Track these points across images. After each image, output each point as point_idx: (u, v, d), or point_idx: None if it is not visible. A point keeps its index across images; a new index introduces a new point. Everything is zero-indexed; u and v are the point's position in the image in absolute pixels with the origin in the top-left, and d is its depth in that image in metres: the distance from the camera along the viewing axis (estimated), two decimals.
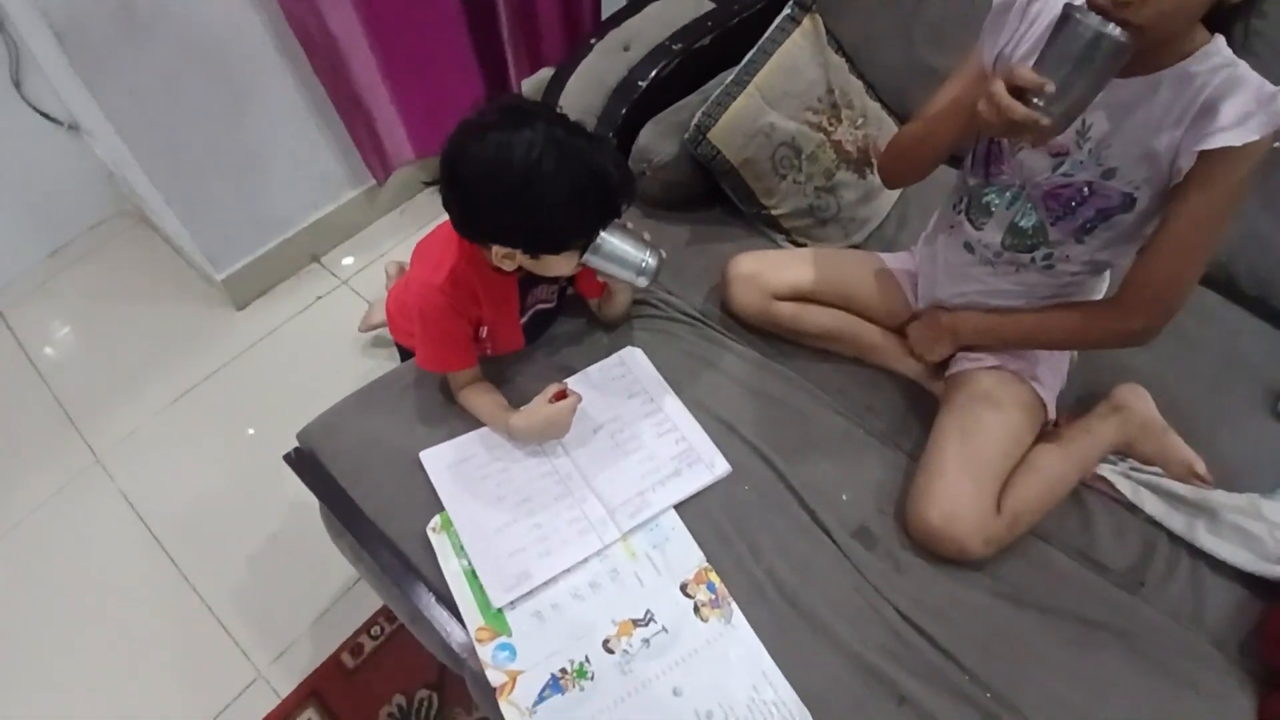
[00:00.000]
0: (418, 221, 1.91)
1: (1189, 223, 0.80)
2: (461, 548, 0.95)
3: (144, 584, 1.37)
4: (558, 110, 0.91)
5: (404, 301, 1.17)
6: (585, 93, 1.30)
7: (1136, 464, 1.01)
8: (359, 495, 1.01)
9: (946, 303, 1.07)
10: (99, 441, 1.55)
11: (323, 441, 1.07)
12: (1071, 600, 0.93)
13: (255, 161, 1.59)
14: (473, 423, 1.06)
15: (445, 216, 0.92)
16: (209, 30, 1.36)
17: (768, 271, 1.12)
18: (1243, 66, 0.76)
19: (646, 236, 0.96)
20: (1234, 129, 0.74)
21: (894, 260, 1.17)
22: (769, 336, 1.16)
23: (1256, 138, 0.74)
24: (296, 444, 1.08)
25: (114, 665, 1.29)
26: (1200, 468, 0.96)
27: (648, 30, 1.33)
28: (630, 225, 0.96)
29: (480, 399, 1.04)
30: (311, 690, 1.24)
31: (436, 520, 0.97)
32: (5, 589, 1.38)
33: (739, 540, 0.96)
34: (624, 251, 0.94)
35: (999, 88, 0.73)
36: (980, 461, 0.94)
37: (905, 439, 1.07)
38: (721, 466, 1.02)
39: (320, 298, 1.77)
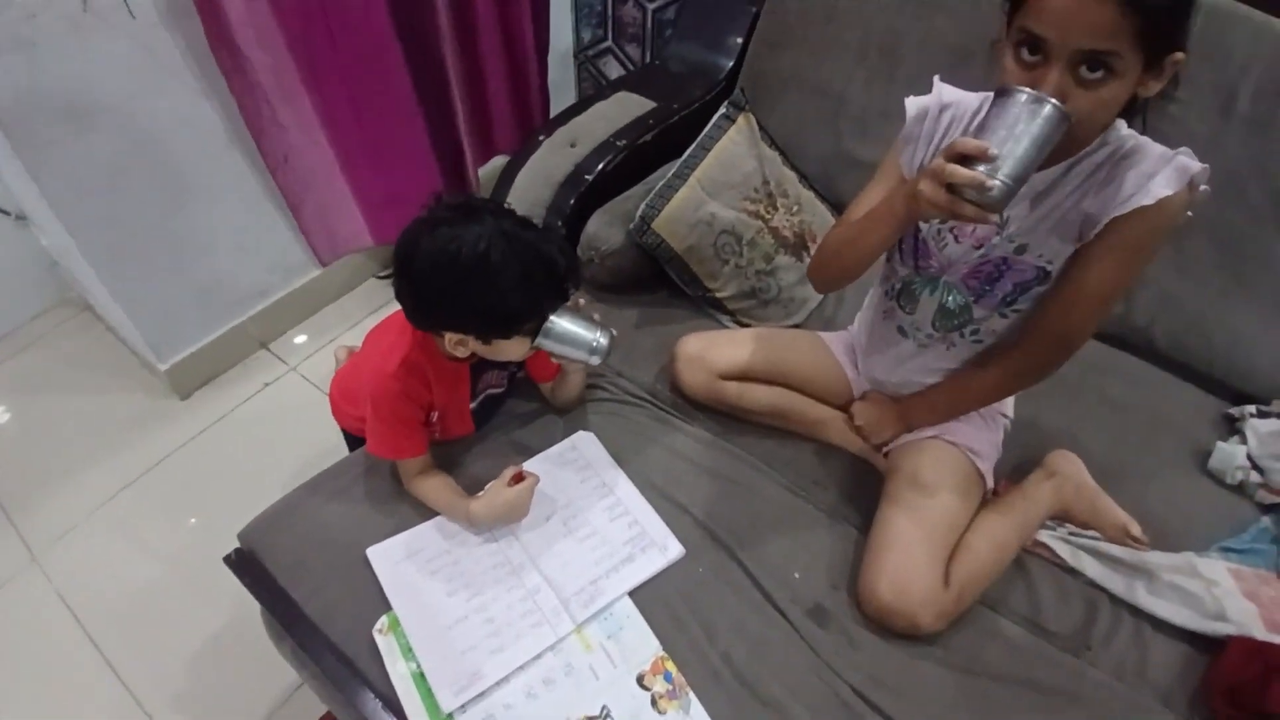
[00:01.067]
0: (367, 306, 1.92)
1: (1097, 279, 0.86)
2: (409, 649, 0.92)
3: (81, 690, 1.29)
4: (505, 205, 0.95)
5: (349, 387, 1.17)
6: (534, 186, 1.35)
7: (1074, 529, 1.05)
8: (301, 596, 0.98)
9: (886, 381, 1.11)
10: (35, 538, 1.48)
11: (264, 540, 1.04)
12: (1021, 667, 0.94)
13: (201, 249, 1.59)
14: (423, 513, 1.05)
15: (396, 305, 0.94)
16: (156, 120, 1.38)
17: (713, 351, 1.16)
18: (1143, 138, 0.82)
19: (596, 316, 0.99)
20: (1140, 192, 0.79)
21: (834, 339, 1.22)
22: (718, 415, 1.19)
23: (1168, 192, 0.78)
24: (237, 543, 1.04)
25: None
26: (1135, 529, 1.00)
27: (593, 127, 1.40)
28: (582, 302, 0.99)
29: (433, 487, 1.04)
30: None
31: (384, 621, 0.95)
32: None
33: (694, 624, 0.96)
34: (575, 333, 0.96)
35: (940, 162, 0.73)
36: (927, 536, 0.96)
37: (854, 512, 1.09)
38: (675, 549, 1.02)
39: (268, 384, 1.75)
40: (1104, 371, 1.26)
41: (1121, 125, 0.83)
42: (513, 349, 0.96)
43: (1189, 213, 0.82)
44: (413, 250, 0.88)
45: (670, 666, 0.92)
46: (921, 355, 1.06)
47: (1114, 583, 1.00)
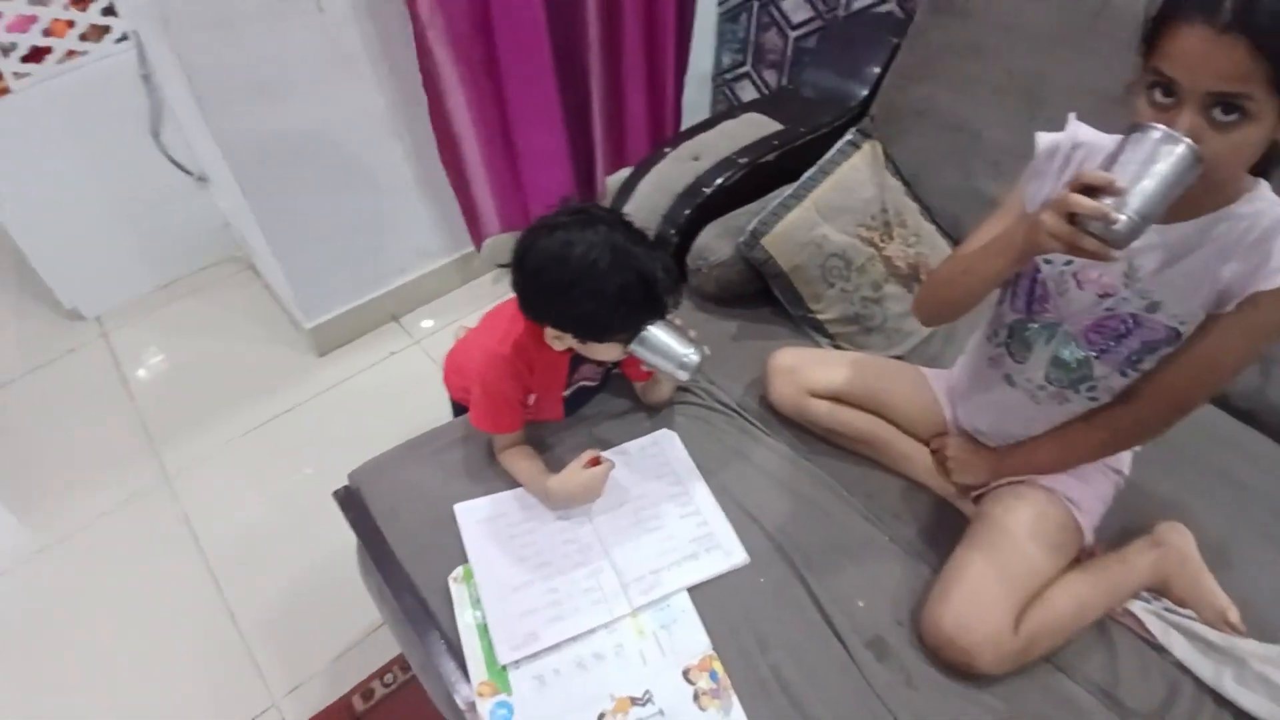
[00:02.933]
0: (490, 296, 2.06)
1: (1222, 348, 0.82)
2: (478, 600, 0.98)
3: (185, 600, 1.45)
4: (623, 216, 1.00)
5: (460, 361, 1.27)
6: (654, 194, 1.41)
7: (1169, 604, 0.97)
8: (393, 538, 1.07)
9: (986, 432, 1.08)
10: (171, 463, 1.69)
11: (370, 483, 1.15)
12: None
13: (356, 225, 1.77)
14: (510, 482, 1.12)
15: (513, 293, 1.02)
16: (333, 105, 1.56)
17: (807, 368, 1.16)
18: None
19: (692, 334, 1.02)
20: None
21: (934, 377, 1.19)
22: (804, 434, 1.19)
23: None
24: (345, 485, 1.15)
25: (142, 672, 1.36)
26: (1234, 615, 0.92)
27: (718, 144, 1.45)
28: (678, 322, 1.03)
29: (520, 461, 1.10)
30: None
31: (459, 571, 1.02)
32: (59, 585, 1.50)
33: (748, 632, 0.96)
34: (667, 345, 1.00)
35: (1065, 192, 0.71)
36: (1004, 575, 0.92)
37: (931, 553, 1.06)
38: (740, 556, 1.03)
39: (393, 354, 1.91)
40: (1231, 446, 1.16)
41: (1265, 189, 0.78)
42: (606, 351, 1.02)
43: None
44: (529, 248, 0.96)
45: (717, 666, 0.93)
46: (1028, 408, 1.01)
47: (1202, 666, 0.92)
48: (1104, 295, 0.89)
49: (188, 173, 1.92)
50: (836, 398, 1.15)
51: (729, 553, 1.04)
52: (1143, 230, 0.69)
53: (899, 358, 1.31)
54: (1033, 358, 0.98)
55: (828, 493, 1.13)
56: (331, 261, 1.78)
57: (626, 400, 1.24)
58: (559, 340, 1.00)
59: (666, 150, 1.45)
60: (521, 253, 0.96)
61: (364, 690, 1.32)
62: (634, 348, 1.00)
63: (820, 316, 1.32)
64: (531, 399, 1.12)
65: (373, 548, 1.07)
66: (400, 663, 1.34)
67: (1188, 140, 0.67)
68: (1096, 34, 1.21)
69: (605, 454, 1.11)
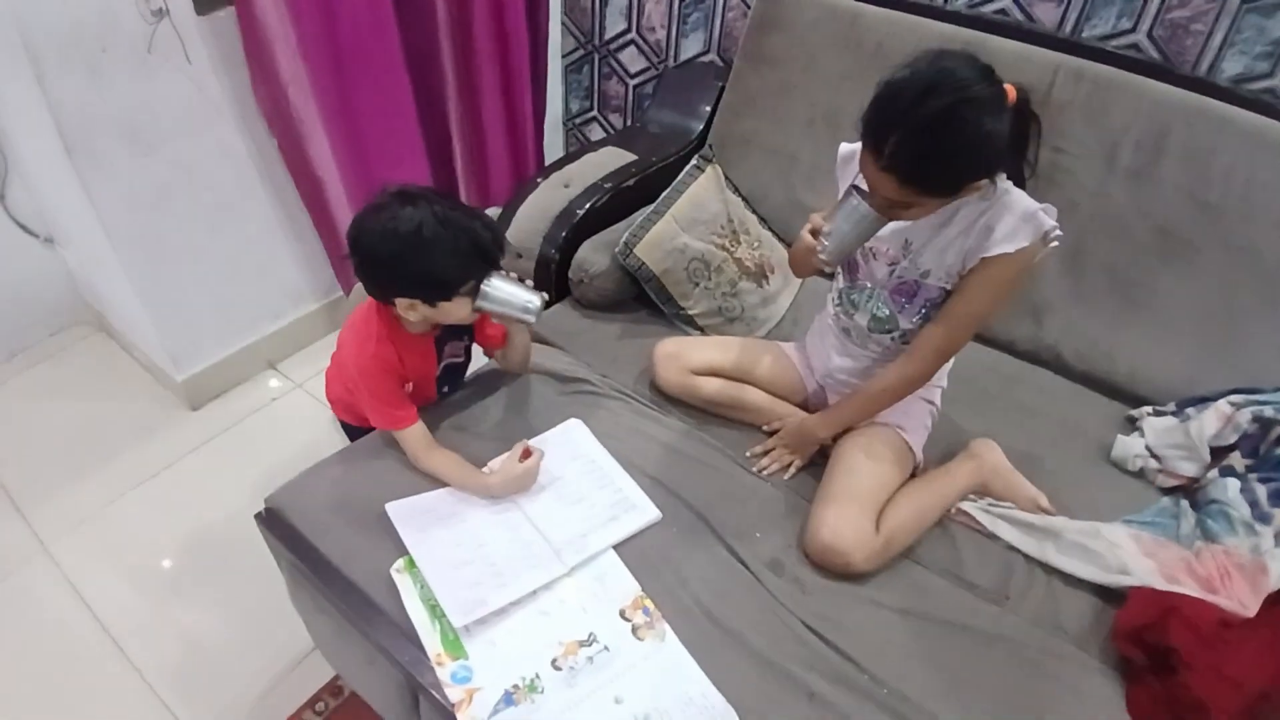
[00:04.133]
0: None
1: (967, 303, 1.13)
2: (424, 583, 1.06)
3: (90, 671, 1.37)
4: (436, 191, 1.12)
5: (339, 382, 1.35)
6: (532, 219, 1.57)
7: (992, 500, 1.24)
8: (326, 547, 1.12)
9: (832, 369, 1.32)
10: (46, 530, 1.57)
11: (290, 503, 1.18)
12: (948, 611, 1.11)
13: (228, 271, 1.76)
14: (434, 484, 1.20)
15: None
16: (202, 150, 1.58)
17: (687, 351, 1.36)
18: (1013, 194, 1.08)
19: (528, 282, 1.16)
20: (1005, 241, 1.06)
21: (790, 349, 1.43)
22: (690, 409, 1.38)
23: (1025, 243, 1.05)
24: (265, 507, 1.18)
25: None
26: (1044, 501, 1.21)
27: (584, 172, 1.64)
28: (513, 275, 1.16)
29: (445, 462, 1.19)
30: None
31: (400, 562, 1.09)
32: None
33: (669, 572, 1.11)
34: (510, 294, 1.13)
35: (806, 227, 1.11)
36: (860, 492, 1.15)
37: (805, 488, 1.27)
38: (652, 513, 1.18)
39: (274, 400, 1.89)
40: (1020, 382, 1.49)
41: (1002, 182, 1.09)
42: (456, 310, 1.11)
43: (1045, 251, 1.08)
44: (360, 229, 1.07)
45: (648, 603, 1.07)
46: (860, 352, 1.28)
47: (1027, 544, 1.18)
48: (891, 264, 1.18)
49: (34, 235, 1.81)
50: (714, 373, 1.36)
51: (643, 511, 1.19)
52: (841, 257, 1.13)
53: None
54: (858, 314, 1.25)
55: (717, 454, 1.31)
56: (203, 309, 1.76)
57: (526, 399, 1.37)
58: (412, 311, 1.11)
59: (539, 180, 1.62)
60: (355, 236, 1.08)
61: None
62: (480, 303, 1.12)
63: (690, 312, 1.53)
64: (409, 386, 1.22)
65: (307, 560, 1.11)
66: (330, 688, 1.34)
67: (873, 213, 1.03)
68: (874, 68, 1.52)
69: (531, 443, 1.23)
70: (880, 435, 1.24)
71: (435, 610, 1.03)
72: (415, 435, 1.20)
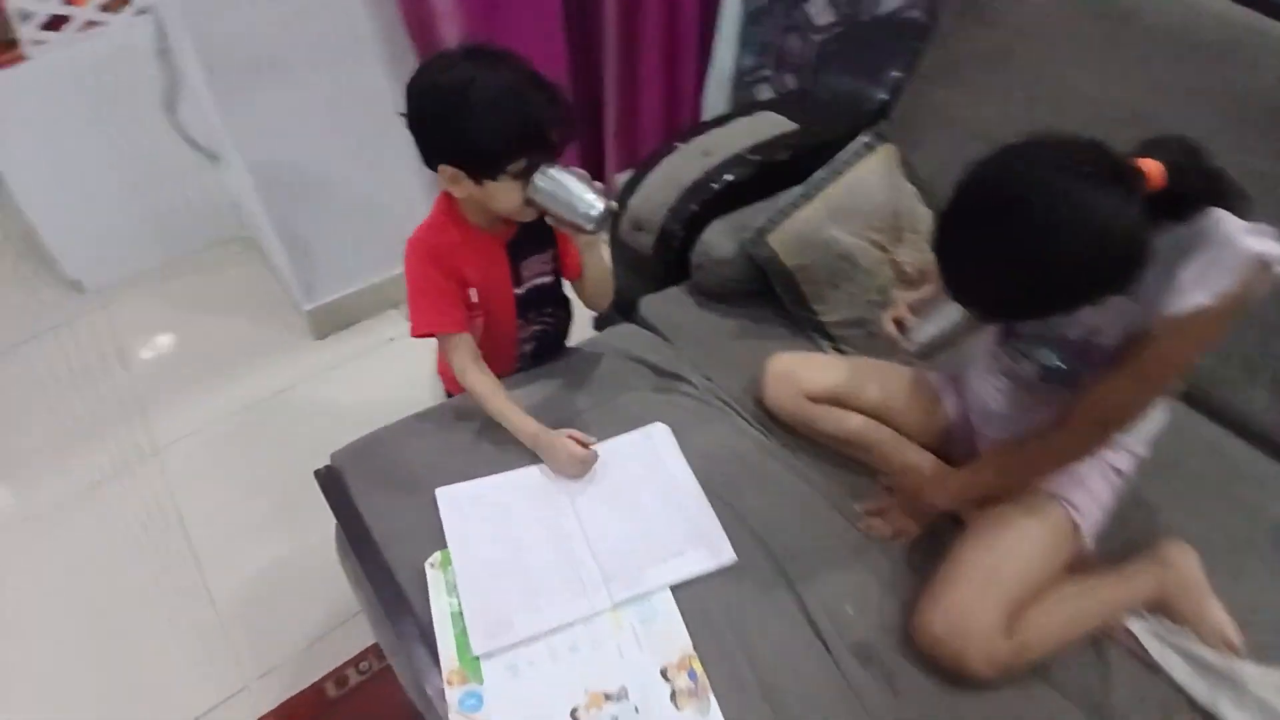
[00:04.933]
0: None
1: (1147, 363, 0.83)
2: (454, 587, 0.96)
3: (164, 575, 1.44)
4: (522, 62, 0.95)
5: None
6: (662, 188, 1.39)
7: (1168, 623, 0.93)
8: (372, 519, 1.05)
9: (989, 412, 1.05)
10: (162, 435, 1.67)
11: (352, 465, 1.12)
12: None
13: (363, 208, 1.75)
14: (495, 467, 1.09)
15: None
16: (344, 84, 1.55)
17: (804, 371, 1.14)
18: (1213, 221, 0.77)
19: (600, 186, 0.97)
20: (1196, 288, 0.77)
21: (936, 377, 1.16)
22: (800, 436, 1.16)
23: (1228, 287, 0.76)
24: (325, 465, 1.13)
25: (116, 643, 1.34)
26: (1234, 636, 0.90)
27: (730, 140, 1.43)
28: (583, 174, 0.97)
29: (489, 386, 1.08)
30: (289, 714, 1.24)
31: (437, 556, 0.99)
32: (42, 550, 1.48)
33: (730, 634, 0.93)
34: (566, 188, 0.94)
35: (889, 312, 1.03)
36: (997, 577, 0.90)
37: (923, 561, 1.02)
38: (727, 555, 1.00)
39: (392, 340, 1.89)
40: (1244, 475, 1.11)
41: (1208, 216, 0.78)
42: (504, 196, 0.96)
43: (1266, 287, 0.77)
44: (413, 79, 0.95)
45: (696, 666, 0.89)
46: (1031, 401, 0.99)
47: (1198, 688, 0.88)
48: (1042, 320, 0.92)
49: (201, 150, 1.91)
50: (836, 401, 1.12)
51: (716, 551, 1.00)
52: (935, 353, 1.01)
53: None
54: (1026, 362, 0.98)
55: (821, 497, 1.09)
56: (333, 244, 1.77)
57: (616, 390, 1.21)
58: (457, 186, 0.97)
59: (676, 144, 1.43)
60: (409, 88, 0.95)
61: (338, 677, 1.29)
62: (530, 193, 0.96)
63: (824, 319, 1.29)
64: (474, 294, 1.08)
65: (351, 530, 1.05)
66: (375, 651, 1.31)
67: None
68: (1121, 43, 1.18)
69: (601, 444, 1.09)
70: (1038, 507, 0.96)
71: (460, 620, 0.93)
72: (460, 343, 1.08)
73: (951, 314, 0.96)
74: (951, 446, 1.12)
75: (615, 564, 0.99)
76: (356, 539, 1.03)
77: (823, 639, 0.93)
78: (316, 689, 1.27)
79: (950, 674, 0.88)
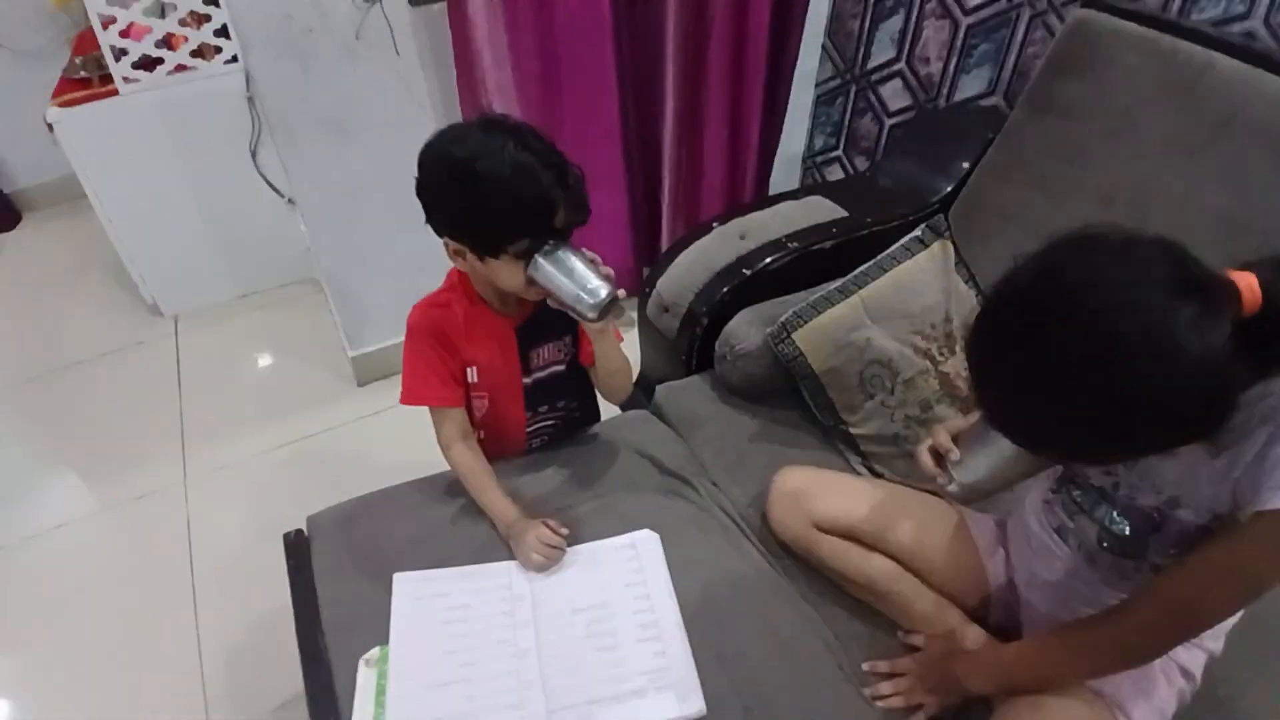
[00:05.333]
0: None
1: (1236, 560, 0.66)
2: (383, 691, 0.87)
3: (159, 604, 1.45)
4: (539, 138, 0.91)
5: None
6: (693, 269, 1.30)
7: None
8: (326, 599, 0.98)
9: (1034, 584, 0.87)
10: (194, 464, 1.71)
11: (324, 532, 1.08)
12: None
13: (409, 267, 1.75)
14: (472, 553, 1.01)
15: None
16: (400, 146, 1.56)
17: (816, 493, 0.99)
18: None
19: (608, 272, 0.91)
20: None
21: (979, 523, 0.98)
22: (809, 567, 1.01)
23: None
24: (295, 530, 1.09)
25: (94, 663, 1.36)
26: None
27: (770, 224, 1.33)
28: (592, 255, 0.92)
29: (473, 465, 1.04)
30: None
31: (375, 652, 0.91)
32: (52, 561, 1.54)
33: None
34: (568, 268, 0.88)
35: (925, 442, 0.83)
36: None
37: None
38: (695, 705, 0.86)
39: None
40: None
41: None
42: (506, 274, 0.92)
43: None
44: (426, 147, 0.92)
45: None
46: (1083, 566, 0.81)
47: None
48: (1109, 473, 0.76)
49: (279, 194, 2.01)
50: (849, 534, 0.97)
51: (683, 697, 0.87)
52: (981, 497, 0.83)
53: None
54: (1083, 519, 0.80)
55: (823, 647, 0.93)
56: (379, 296, 1.78)
57: (618, 485, 1.11)
58: (461, 260, 0.94)
59: (714, 224, 1.35)
60: (422, 154, 0.92)
61: None
62: (533, 272, 0.90)
63: (854, 431, 1.14)
64: (473, 373, 1.03)
65: (301, 606, 0.99)
66: None
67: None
68: (1218, 145, 1.01)
69: (582, 548, 1.02)
70: (1082, 711, 0.76)
71: None
72: (446, 420, 1.04)
73: (1004, 448, 0.77)
74: (989, 614, 0.94)
75: (566, 696, 0.87)
76: (303, 618, 0.97)
77: None
78: None
79: None
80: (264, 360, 2.02)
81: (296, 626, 0.97)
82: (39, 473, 1.74)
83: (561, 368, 1.10)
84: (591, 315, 0.90)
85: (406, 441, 1.70)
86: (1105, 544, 0.78)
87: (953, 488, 0.81)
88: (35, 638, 1.41)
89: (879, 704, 0.88)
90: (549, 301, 0.94)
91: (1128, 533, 0.75)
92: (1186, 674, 0.79)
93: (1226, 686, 0.83)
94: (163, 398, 1.89)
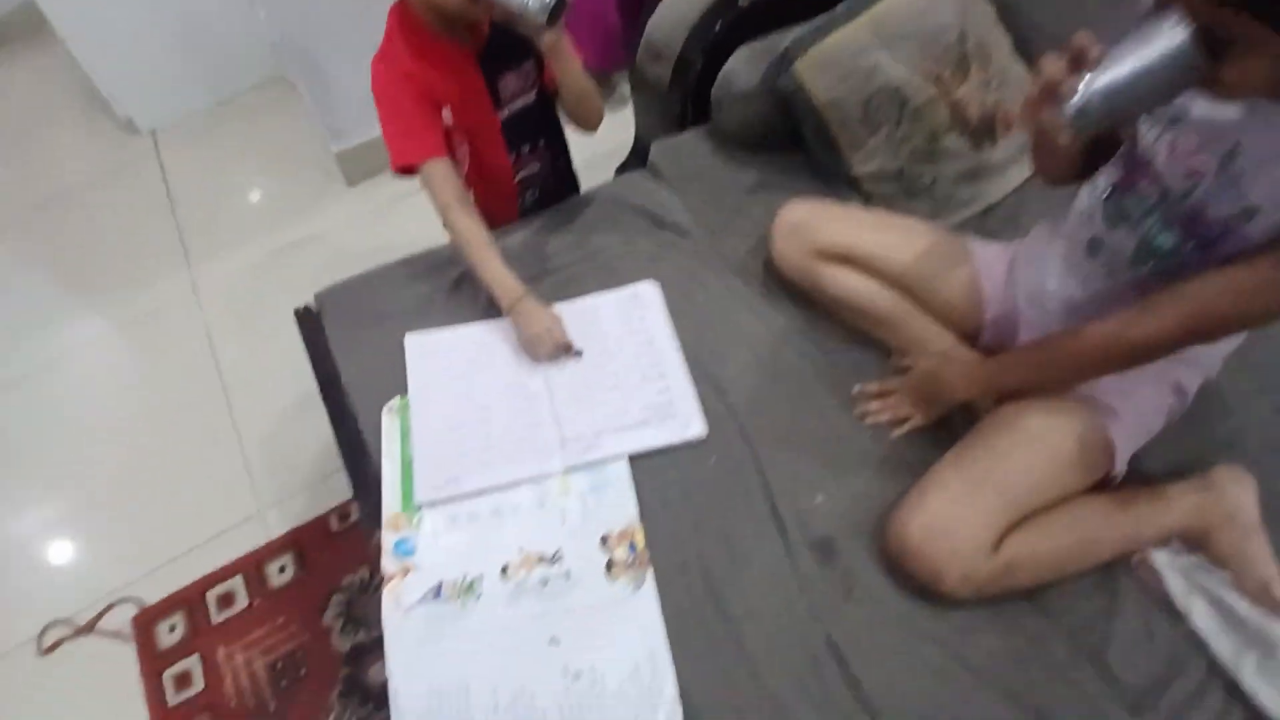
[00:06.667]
0: None
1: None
2: (408, 433, 0.92)
3: (195, 405, 1.52)
4: None
5: None
6: (683, 4, 1.18)
7: (1202, 561, 0.77)
8: (343, 363, 1.02)
9: (1045, 302, 0.86)
10: (201, 276, 1.72)
11: (334, 305, 1.09)
12: (1051, 700, 0.73)
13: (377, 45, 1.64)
14: (471, 318, 1.03)
15: None
16: None
17: (819, 223, 0.97)
18: None
19: None
20: None
21: (983, 248, 0.96)
22: (805, 305, 1.02)
23: None
24: (304, 305, 1.11)
25: (141, 466, 1.44)
26: (1277, 589, 0.72)
27: None
28: None
29: (476, 232, 0.98)
30: (295, 540, 1.31)
31: (395, 402, 0.96)
32: (79, 375, 1.60)
33: (683, 511, 0.86)
34: None
35: (1038, 79, 0.63)
36: (994, 484, 0.76)
37: (917, 458, 0.89)
38: (696, 428, 0.91)
39: (419, 190, 1.81)
40: None
41: None
42: None
43: None
44: None
45: (639, 539, 0.83)
46: (1104, 278, 0.79)
47: (1221, 644, 0.73)
48: (1191, 175, 0.69)
49: None
50: (850, 260, 0.96)
51: (685, 424, 0.91)
52: (1100, 116, 0.61)
53: None
54: (1122, 230, 0.76)
55: (814, 375, 0.96)
56: (353, 82, 1.65)
57: (615, 241, 1.10)
58: None
59: None
60: None
61: (342, 512, 1.34)
62: None
63: (857, 170, 1.09)
64: (448, 114, 0.98)
65: (321, 372, 1.03)
66: None
67: (1185, 32, 0.56)
68: None
69: (584, 299, 1.03)
70: (1067, 414, 0.80)
71: (408, 468, 0.90)
72: (438, 173, 0.96)
73: (1149, 62, 0.58)
74: (983, 339, 0.95)
75: (575, 428, 0.92)
76: (325, 381, 1.02)
77: (782, 528, 0.84)
78: (321, 521, 1.33)
79: (918, 586, 0.78)
80: (250, 168, 1.95)
81: (320, 391, 1.01)
82: (48, 303, 1.75)
83: (531, 99, 1.04)
84: (540, 19, 0.82)
85: (406, 235, 1.69)
86: (1138, 259, 0.75)
87: (1075, 102, 0.61)
88: (78, 458, 1.48)
89: (867, 420, 0.92)
90: (494, 16, 0.88)
91: (1169, 246, 0.72)
92: (1179, 391, 0.81)
93: (1213, 412, 0.85)
94: (157, 216, 1.86)
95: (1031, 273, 0.89)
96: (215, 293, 1.70)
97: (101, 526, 1.40)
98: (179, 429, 1.49)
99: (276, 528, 1.34)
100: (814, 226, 0.97)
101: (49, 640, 1.23)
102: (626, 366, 0.97)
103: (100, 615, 1.25)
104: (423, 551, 0.84)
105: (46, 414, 1.55)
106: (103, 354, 1.65)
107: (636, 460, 0.89)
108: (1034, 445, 0.78)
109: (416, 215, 1.73)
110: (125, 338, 1.67)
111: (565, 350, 0.97)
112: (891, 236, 0.96)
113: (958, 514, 0.75)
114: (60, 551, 1.38)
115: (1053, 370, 0.80)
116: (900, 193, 1.09)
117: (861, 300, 0.95)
